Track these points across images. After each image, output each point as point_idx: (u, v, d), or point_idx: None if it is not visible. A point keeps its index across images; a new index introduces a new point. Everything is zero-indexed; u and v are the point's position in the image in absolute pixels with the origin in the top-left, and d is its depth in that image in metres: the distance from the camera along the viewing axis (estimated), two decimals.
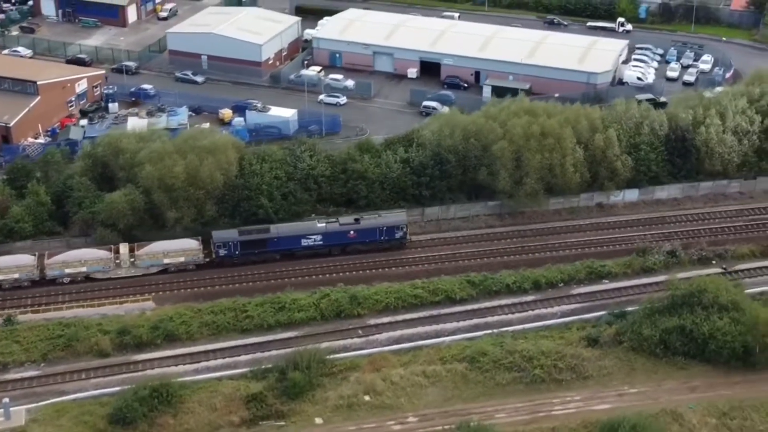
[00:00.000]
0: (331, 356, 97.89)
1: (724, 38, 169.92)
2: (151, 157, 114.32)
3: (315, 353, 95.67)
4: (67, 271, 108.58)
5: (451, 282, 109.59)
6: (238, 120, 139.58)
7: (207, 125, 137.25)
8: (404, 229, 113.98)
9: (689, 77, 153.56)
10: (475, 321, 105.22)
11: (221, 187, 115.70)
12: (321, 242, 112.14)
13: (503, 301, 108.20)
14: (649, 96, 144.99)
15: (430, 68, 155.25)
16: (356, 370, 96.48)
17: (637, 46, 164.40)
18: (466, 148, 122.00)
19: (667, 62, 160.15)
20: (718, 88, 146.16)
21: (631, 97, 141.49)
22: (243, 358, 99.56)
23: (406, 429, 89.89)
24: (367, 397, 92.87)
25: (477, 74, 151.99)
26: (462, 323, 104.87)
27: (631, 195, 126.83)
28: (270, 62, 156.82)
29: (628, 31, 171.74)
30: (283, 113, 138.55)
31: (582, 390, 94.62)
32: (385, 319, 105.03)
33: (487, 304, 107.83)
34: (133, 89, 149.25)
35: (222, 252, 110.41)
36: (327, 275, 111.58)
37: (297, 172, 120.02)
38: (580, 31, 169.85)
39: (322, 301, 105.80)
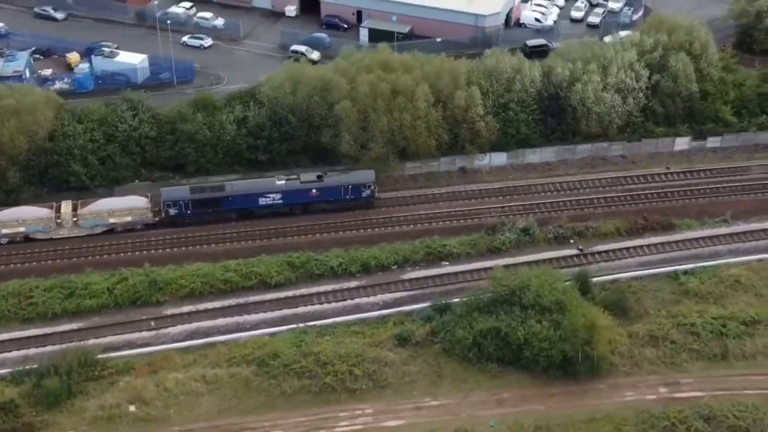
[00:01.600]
0: (105, 355, 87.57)
1: None
2: None
3: (80, 354, 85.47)
4: (4, 231, 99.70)
5: (269, 263, 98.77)
6: (82, 66, 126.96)
7: (49, 71, 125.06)
8: (372, 188, 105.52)
9: (594, 18, 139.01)
10: (285, 312, 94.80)
11: (26, 152, 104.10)
12: (281, 201, 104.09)
13: (322, 288, 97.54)
14: (542, 42, 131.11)
15: (312, 5, 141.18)
16: (130, 373, 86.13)
17: None
18: (310, 106, 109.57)
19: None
20: (623, 33, 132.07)
21: (523, 41, 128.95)
22: (13, 354, 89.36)
23: None
24: (132, 407, 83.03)
25: (359, 14, 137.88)
26: (269, 314, 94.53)
27: (499, 159, 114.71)
28: None
29: None
30: (132, 59, 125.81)
31: (377, 401, 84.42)
32: (186, 308, 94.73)
33: (304, 290, 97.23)
34: None
35: (172, 211, 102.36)
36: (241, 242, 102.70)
37: (119, 134, 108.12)
38: None
39: (117, 286, 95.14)
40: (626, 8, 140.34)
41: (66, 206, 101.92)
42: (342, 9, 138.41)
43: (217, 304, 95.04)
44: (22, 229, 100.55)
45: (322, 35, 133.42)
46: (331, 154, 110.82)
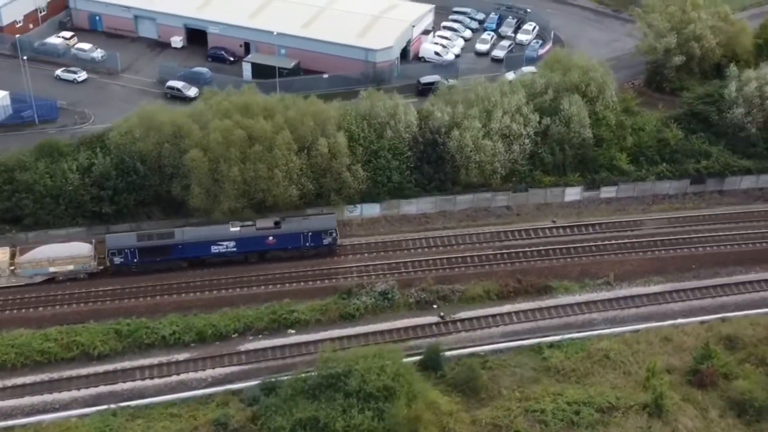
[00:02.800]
0: None
1: None
2: None
3: None
4: None
5: (95, 332, 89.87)
6: None
7: None
8: (333, 234, 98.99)
9: (499, 52, 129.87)
10: (101, 389, 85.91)
11: None
12: (234, 249, 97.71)
13: (147, 361, 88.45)
14: (436, 78, 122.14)
15: (200, 36, 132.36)
16: None
17: (454, 9, 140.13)
18: (161, 154, 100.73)
19: (486, 30, 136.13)
20: (526, 68, 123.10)
21: (418, 77, 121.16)
22: None
23: None
24: None
25: (247, 46, 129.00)
26: (82, 392, 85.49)
27: (371, 210, 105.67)
28: (18, 25, 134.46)
29: None
30: None
31: None
32: None
33: (127, 363, 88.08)
34: None
35: (117, 260, 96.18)
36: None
37: None
38: None
39: None
40: (534, 41, 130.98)
41: (3, 253, 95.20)
42: (229, 41, 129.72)
43: (28, 379, 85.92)
44: None
45: (203, 70, 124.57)
46: (184, 207, 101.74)
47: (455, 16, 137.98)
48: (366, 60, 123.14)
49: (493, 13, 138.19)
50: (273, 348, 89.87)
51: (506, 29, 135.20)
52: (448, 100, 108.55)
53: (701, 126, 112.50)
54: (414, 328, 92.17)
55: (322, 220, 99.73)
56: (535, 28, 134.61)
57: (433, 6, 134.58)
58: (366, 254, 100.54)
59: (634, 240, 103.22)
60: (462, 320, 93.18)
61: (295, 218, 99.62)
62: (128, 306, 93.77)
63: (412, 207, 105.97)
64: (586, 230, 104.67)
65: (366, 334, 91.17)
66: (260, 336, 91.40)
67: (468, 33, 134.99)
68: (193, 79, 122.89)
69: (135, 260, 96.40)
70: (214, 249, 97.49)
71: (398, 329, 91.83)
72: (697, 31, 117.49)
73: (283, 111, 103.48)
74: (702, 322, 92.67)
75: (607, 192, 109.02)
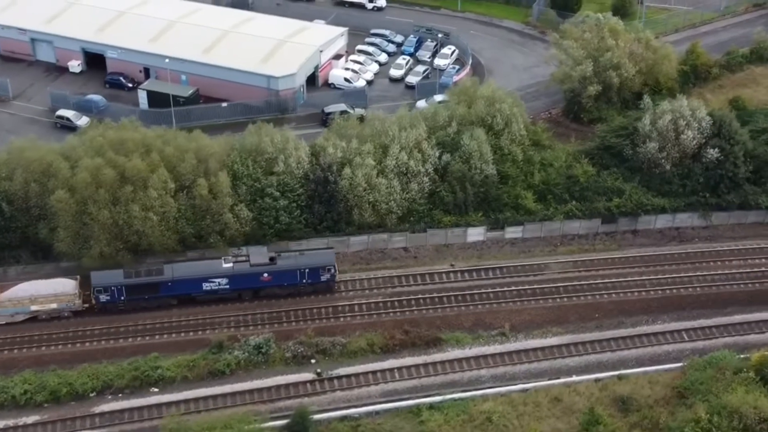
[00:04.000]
0: None
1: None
2: None
3: None
4: None
5: None
6: None
7: None
8: (332, 271, 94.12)
9: (413, 78, 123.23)
10: None
11: None
12: (227, 286, 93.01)
13: None
14: (341, 107, 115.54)
15: (99, 61, 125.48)
16: None
17: (372, 31, 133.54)
18: (28, 194, 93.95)
19: (403, 54, 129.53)
20: (438, 97, 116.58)
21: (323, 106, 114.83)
22: None
23: None
24: None
25: (147, 72, 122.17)
26: None
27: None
28: None
29: (380, 9, 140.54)
30: None
31: None
32: None
33: None
34: None
35: (103, 298, 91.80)
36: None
37: None
38: (326, 6, 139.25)
39: None
40: (451, 67, 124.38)
41: None
42: (128, 66, 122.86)
43: None
44: None
45: (97, 97, 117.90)
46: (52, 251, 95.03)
47: (372, 39, 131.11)
48: (268, 87, 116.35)
49: (411, 35, 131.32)
50: (131, 409, 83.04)
51: (424, 53, 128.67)
52: (342, 134, 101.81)
53: (615, 161, 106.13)
54: (287, 386, 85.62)
55: (319, 256, 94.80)
56: (454, 52, 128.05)
57: (346, 29, 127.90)
58: (241, 302, 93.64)
59: (535, 286, 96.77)
60: (339, 377, 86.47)
61: (291, 254, 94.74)
62: None
63: (303, 248, 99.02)
64: (486, 275, 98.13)
65: (234, 394, 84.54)
66: (120, 395, 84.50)
67: (384, 57, 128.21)
68: (85, 108, 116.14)
69: (122, 298, 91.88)
70: (206, 286, 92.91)
71: (269, 388, 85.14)
72: (615, 59, 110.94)
73: (161, 147, 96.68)
74: (597, 380, 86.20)
75: (513, 232, 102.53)
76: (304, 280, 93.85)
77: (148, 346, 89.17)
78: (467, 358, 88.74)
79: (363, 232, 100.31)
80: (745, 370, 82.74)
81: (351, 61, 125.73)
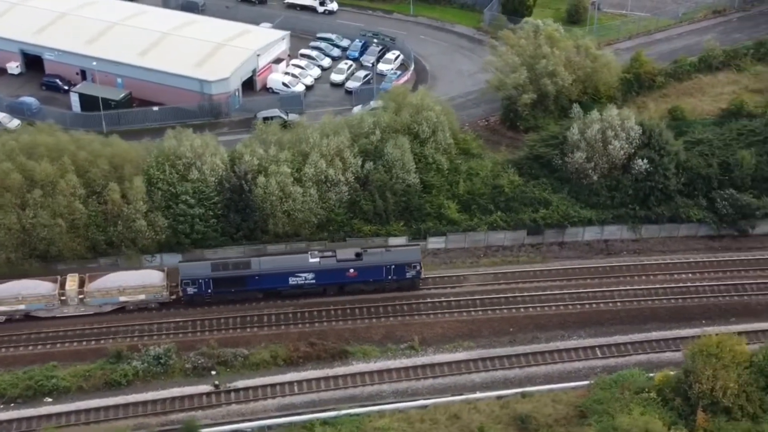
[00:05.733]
0: None
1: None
2: None
3: None
4: (1, 308, 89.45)
5: None
6: None
7: None
8: (417, 267, 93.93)
9: (353, 83, 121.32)
10: None
11: None
12: (313, 281, 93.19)
13: None
14: (275, 112, 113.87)
15: (38, 62, 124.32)
16: None
17: (318, 35, 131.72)
18: None
19: (348, 59, 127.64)
20: (374, 103, 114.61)
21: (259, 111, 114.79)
22: None
23: None
24: None
25: (84, 74, 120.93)
26: None
27: (173, 261, 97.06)
28: None
29: (331, 12, 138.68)
30: None
31: None
32: None
33: None
34: None
35: (190, 290, 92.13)
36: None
37: None
38: (277, 8, 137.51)
39: None
40: (392, 72, 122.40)
41: (72, 281, 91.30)
42: (65, 68, 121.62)
43: None
44: (21, 306, 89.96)
45: (30, 100, 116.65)
46: None
47: (317, 43, 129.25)
48: (201, 91, 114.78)
49: (357, 40, 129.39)
50: (20, 419, 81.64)
51: (369, 58, 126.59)
52: (262, 141, 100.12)
53: (544, 171, 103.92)
54: (182, 399, 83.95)
55: (405, 253, 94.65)
56: (398, 57, 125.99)
57: (287, 32, 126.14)
58: (148, 311, 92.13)
59: (451, 298, 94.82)
60: (237, 390, 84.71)
61: (377, 250, 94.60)
62: None
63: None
64: None
65: (126, 405, 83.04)
66: (12, 405, 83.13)
67: (327, 61, 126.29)
68: (18, 110, 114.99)
69: (209, 291, 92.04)
70: (292, 281, 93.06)
71: (163, 400, 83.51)
72: (549, 66, 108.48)
73: (74, 152, 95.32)
74: (499, 397, 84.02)
75: (436, 243, 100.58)
76: (390, 276, 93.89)
77: (47, 355, 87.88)
78: (370, 372, 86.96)
79: (281, 240, 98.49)
80: (647, 390, 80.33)
81: (293, 65, 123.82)
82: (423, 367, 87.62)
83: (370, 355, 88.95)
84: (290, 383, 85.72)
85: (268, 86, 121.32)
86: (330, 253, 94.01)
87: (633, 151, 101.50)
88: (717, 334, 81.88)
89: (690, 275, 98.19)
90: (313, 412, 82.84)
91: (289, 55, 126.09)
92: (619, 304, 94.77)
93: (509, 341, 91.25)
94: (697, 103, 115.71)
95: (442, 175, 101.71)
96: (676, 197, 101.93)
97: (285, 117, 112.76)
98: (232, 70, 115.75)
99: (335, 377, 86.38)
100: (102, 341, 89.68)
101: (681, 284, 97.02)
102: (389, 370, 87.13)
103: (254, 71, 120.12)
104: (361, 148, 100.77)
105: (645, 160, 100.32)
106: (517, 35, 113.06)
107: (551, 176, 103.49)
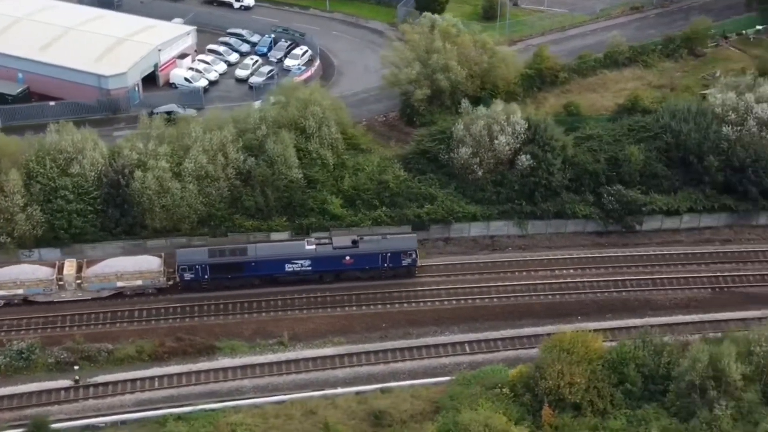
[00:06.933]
0: None
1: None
2: None
3: None
4: (0, 293, 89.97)
5: None
6: None
7: None
8: (413, 255, 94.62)
9: (257, 79, 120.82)
10: None
11: None
12: (309, 268, 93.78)
13: None
14: (171, 108, 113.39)
15: None
16: None
17: (228, 30, 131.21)
18: None
19: (257, 54, 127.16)
20: (274, 98, 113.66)
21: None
22: None
23: None
24: None
25: None
26: None
27: (51, 256, 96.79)
28: None
29: (247, 8, 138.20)
30: None
31: None
32: None
33: None
34: None
35: (187, 276, 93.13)
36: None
37: None
38: (194, 4, 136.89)
39: None
40: (297, 68, 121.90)
41: (70, 266, 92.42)
42: None
43: None
44: (20, 291, 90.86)
45: None
46: None
47: (226, 38, 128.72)
48: (99, 87, 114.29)
49: (267, 35, 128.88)
50: None
51: (277, 53, 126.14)
52: (145, 136, 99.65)
53: (432, 166, 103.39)
54: (39, 393, 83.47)
55: (402, 240, 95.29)
56: (306, 52, 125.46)
57: (193, 28, 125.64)
58: (16, 306, 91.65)
59: (327, 294, 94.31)
60: (96, 385, 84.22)
61: (374, 237, 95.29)
62: None
63: (97, 252, 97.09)
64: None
65: None
66: None
67: (235, 57, 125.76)
68: None
69: (206, 277, 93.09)
70: (288, 267, 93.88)
71: (20, 395, 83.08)
72: (441, 61, 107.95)
73: None
74: (359, 393, 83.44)
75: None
76: (386, 264, 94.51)
77: None
78: (234, 368, 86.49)
79: (161, 236, 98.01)
80: (500, 385, 79.89)
81: (198, 60, 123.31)
82: (287, 362, 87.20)
83: (238, 350, 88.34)
84: (151, 378, 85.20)
85: (170, 81, 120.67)
86: (327, 240, 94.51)
87: (519, 146, 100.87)
88: (582, 331, 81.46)
89: (571, 271, 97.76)
90: (170, 408, 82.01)
91: (195, 51, 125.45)
92: (495, 300, 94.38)
93: (380, 337, 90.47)
94: (598, 99, 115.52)
95: (327, 171, 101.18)
96: (563, 193, 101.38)
97: (182, 111, 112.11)
98: (130, 65, 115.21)
99: (197, 372, 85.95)
100: None
101: (561, 280, 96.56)
102: (253, 366, 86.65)
103: (156, 66, 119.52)
104: (246, 144, 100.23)
105: (529, 156, 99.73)
106: (412, 30, 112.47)
107: (438, 172, 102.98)
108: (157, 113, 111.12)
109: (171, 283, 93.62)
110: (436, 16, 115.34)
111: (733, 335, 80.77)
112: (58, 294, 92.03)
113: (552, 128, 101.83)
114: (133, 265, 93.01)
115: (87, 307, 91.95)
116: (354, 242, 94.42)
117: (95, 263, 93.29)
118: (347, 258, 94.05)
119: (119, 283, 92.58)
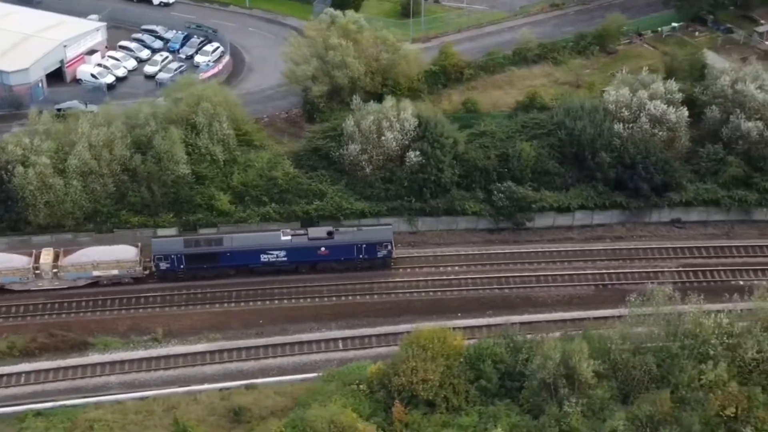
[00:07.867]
0: None
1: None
2: None
3: None
4: None
5: None
6: None
7: None
8: (389, 247, 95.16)
9: (165, 75, 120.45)
10: None
11: None
12: (285, 259, 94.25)
13: None
14: (74, 104, 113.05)
15: None
16: None
17: (143, 27, 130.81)
18: None
19: (170, 51, 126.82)
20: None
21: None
22: None
23: None
24: None
25: None
26: None
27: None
28: None
29: (167, 5, 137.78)
30: None
31: None
32: None
33: None
34: None
35: (163, 265, 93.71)
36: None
37: None
38: (113, 1, 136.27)
39: None
40: (205, 64, 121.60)
41: (46, 255, 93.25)
42: None
43: None
44: None
45: None
46: None
47: (139, 35, 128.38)
48: (2, 83, 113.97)
49: (179, 32, 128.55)
50: None
51: (189, 50, 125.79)
52: (32, 132, 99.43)
53: (323, 163, 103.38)
54: None
55: (377, 232, 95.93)
56: (217, 48, 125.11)
57: (104, 24, 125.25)
58: None
59: (207, 290, 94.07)
60: None
61: (349, 229, 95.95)
62: None
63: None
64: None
65: None
66: None
67: (146, 53, 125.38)
68: None
69: (182, 266, 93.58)
70: (264, 258, 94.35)
71: None
72: (338, 57, 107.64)
73: None
74: (222, 389, 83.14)
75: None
76: (361, 255, 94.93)
77: None
78: (102, 364, 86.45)
79: (46, 232, 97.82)
80: (358, 382, 79.64)
81: (108, 57, 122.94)
82: (157, 359, 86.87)
83: (111, 346, 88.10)
84: (17, 374, 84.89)
85: (77, 77, 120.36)
86: (302, 231, 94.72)
87: (408, 143, 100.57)
88: (441, 328, 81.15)
89: (456, 268, 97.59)
90: (33, 404, 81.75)
91: (106, 47, 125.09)
92: (376, 296, 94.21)
93: (256, 333, 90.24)
94: (502, 96, 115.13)
95: (216, 167, 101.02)
96: (453, 190, 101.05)
97: (84, 107, 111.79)
98: (33, 61, 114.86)
99: (65, 369, 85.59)
100: None
101: (444, 277, 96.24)
102: (122, 362, 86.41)
103: (62, 62, 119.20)
104: (135, 139, 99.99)
105: (418, 152, 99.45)
106: (310, 26, 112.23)
107: (330, 168, 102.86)
108: (61, 110, 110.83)
109: (147, 272, 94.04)
110: (338, 12, 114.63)
111: (589, 333, 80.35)
112: (34, 283, 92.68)
113: (443, 125, 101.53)
114: (109, 255, 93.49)
115: None
116: (329, 233, 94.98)
117: (72, 252, 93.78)
118: (323, 249, 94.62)
119: (95, 272, 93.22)
